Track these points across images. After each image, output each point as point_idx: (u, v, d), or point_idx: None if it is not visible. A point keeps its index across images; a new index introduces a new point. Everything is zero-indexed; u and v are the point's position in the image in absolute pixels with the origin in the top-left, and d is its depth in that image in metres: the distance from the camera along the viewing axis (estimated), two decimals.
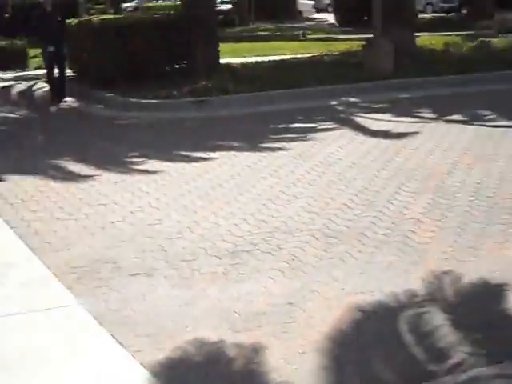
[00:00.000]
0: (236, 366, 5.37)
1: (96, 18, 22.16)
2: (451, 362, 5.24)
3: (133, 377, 5.21)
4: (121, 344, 5.54)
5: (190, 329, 5.85)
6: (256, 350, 5.52)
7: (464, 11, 48.17)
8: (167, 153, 12.33)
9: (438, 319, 5.95)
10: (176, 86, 17.22)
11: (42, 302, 6.32)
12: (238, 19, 44.15)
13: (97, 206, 9.39)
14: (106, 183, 10.56)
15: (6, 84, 22.09)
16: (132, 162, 11.87)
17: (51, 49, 17.70)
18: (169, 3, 57.03)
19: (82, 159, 12.00)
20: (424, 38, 26.08)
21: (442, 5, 56.34)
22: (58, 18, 18.17)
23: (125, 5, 51.83)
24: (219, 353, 5.53)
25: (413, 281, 6.72)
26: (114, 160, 11.94)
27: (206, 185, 10.31)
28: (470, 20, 38.97)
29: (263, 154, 12.27)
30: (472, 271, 6.93)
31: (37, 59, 24.13)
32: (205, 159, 11.90)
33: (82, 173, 11.19)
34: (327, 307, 6.21)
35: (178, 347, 5.56)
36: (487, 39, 26.84)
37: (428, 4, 55.59)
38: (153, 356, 5.39)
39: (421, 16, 40.97)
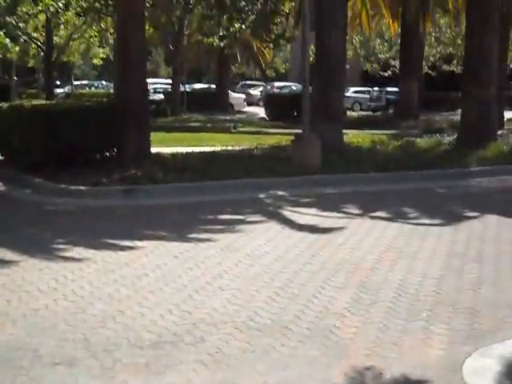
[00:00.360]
0: None
1: (28, 103, 22.14)
2: None
3: None
4: None
5: None
6: None
7: (390, 111, 49.25)
8: (94, 240, 12.20)
9: None
10: (106, 174, 17.22)
11: None
12: (170, 110, 44.47)
13: (20, 293, 9.21)
14: (30, 269, 10.37)
15: None
16: (58, 249, 11.69)
17: None
18: (101, 91, 57.26)
19: (6, 244, 11.76)
20: (351, 135, 26.60)
21: (369, 104, 57.67)
22: None
23: (57, 90, 51.90)
24: None
25: (335, 376, 6.71)
26: (40, 246, 11.76)
27: (132, 274, 10.22)
28: (396, 119, 39.90)
29: (191, 244, 12.23)
30: (394, 367, 6.95)
31: None
32: (131, 248, 11.80)
33: (6, 258, 10.97)
34: None
35: None
36: (412, 139, 27.43)
37: (356, 102, 56.74)
38: None
39: (349, 114, 41.74)
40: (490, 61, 25.13)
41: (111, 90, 28.59)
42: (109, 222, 14.10)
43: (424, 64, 53.38)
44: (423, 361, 7.16)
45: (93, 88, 65.24)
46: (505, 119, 36.09)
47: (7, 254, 11.18)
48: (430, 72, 60.18)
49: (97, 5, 39.97)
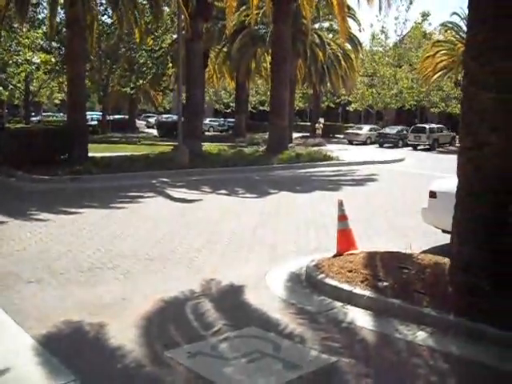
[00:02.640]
0: (88, 335, 5.26)
1: (13, 126, 21.23)
2: None
3: (22, 343, 5.00)
4: None
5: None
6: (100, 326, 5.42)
7: (230, 132, 49.44)
8: (53, 208, 11.79)
9: None
10: (61, 169, 16.63)
11: None
12: (101, 130, 43.16)
13: (8, 240, 8.85)
14: (15, 226, 9.96)
15: None
16: (31, 214, 11.20)
17: None
18: (59, 119, 55.04)
19: None
20: (207, 146, 26.47)
21: (218, 127, 57.66)
22: None
23: (32, 119, 49.55)
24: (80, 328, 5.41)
25: (194, 285, 6.76)
26: (21, 212, 11.25)
27: (76, 228, 9.97)
28: (233, 137, 40.07)
29: (112, 210, 12.03)
30: (228, 278, 7.06)
31: None
32: (76, 213, 11.45)
33: None
34: (145, 300, 6.18)
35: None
36: (242, 148, 27.65)
37: (210, 127, 56.56)
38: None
39: (206, 134, 41.54)
40: (285, 105, 25.64)
41: (65, 119, 27.48)
42: (62, 198, 13.67)
43: (249, 105, 53.82)
44: (244, 274, 7.32)
45: (54, 117, 62.66)
46: (293, 137, 36.85)
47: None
48: (252, 110, 60.61)
49: (57, 67, 38.55)
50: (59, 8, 24.15)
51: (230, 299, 6.37)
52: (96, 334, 5.24)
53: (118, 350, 4.92)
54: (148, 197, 14.10)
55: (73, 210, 11.80)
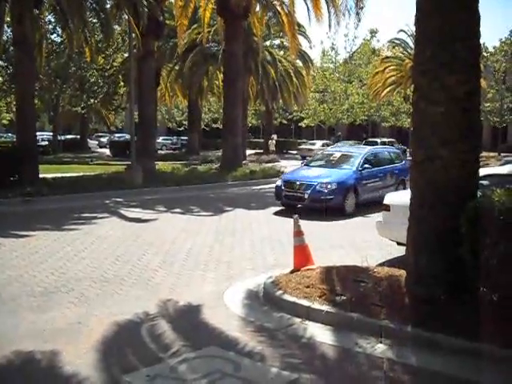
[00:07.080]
0: (42, 363, 5.08)
1: None
2: None
3: None
4: None
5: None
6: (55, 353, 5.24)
7: (183, 150, 49.20)
8: (4, 232, 11.35)
9: None
10: (11, 191, 16.17)
11: None
12: (52, 150, 42.29)
13: None
14: None
15: None
16: None
17: None
18: (8, 139, 53.85)
19: None
20: (161, 164, 26.21)
21: (170, 146, 57.30)
22: None
23: None
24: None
25: (151, 305, 6.66)
26: None
27: (28, 251, 9.66)
28: (186, 155, 39.87)
29: (64, 232, 11.71)
30: (185, 298, 6.98)
31: None
32: (28, 236, 11.11)
33: None
34: (101, 323, 6.03)
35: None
36: (195, 166, 27.53)
37: (163, 145, 56.09)
38: None
39: (159, 152, 41.14)
40: (237, 122, 25.70)
41: (14, 139, 26.74)
42: (13, 220, 13.25)
43: (202, 123, 53.74)
44: (202, 293, 7.26)
45: (2, 138, 61.22)
46: (247, 154, 36.92)
47: None
48: (205, 128, 60.53)
49: (4, 87, 37.77)
50: (6, 26, 23.67)
51: (188, 319, 6.27)
52: (50, 362, 5.05)
53: (73, 377, 4.75)
54: (102, 217, 13.81)
55: (24, 232, 11.44)
